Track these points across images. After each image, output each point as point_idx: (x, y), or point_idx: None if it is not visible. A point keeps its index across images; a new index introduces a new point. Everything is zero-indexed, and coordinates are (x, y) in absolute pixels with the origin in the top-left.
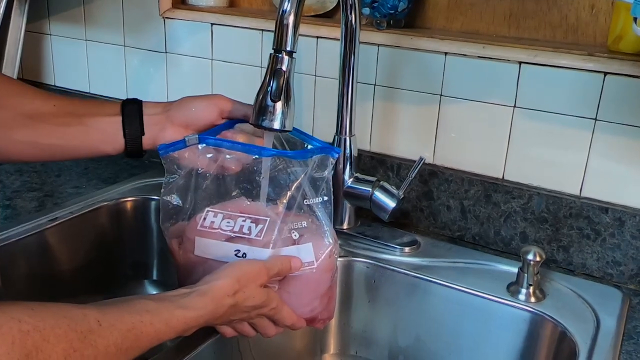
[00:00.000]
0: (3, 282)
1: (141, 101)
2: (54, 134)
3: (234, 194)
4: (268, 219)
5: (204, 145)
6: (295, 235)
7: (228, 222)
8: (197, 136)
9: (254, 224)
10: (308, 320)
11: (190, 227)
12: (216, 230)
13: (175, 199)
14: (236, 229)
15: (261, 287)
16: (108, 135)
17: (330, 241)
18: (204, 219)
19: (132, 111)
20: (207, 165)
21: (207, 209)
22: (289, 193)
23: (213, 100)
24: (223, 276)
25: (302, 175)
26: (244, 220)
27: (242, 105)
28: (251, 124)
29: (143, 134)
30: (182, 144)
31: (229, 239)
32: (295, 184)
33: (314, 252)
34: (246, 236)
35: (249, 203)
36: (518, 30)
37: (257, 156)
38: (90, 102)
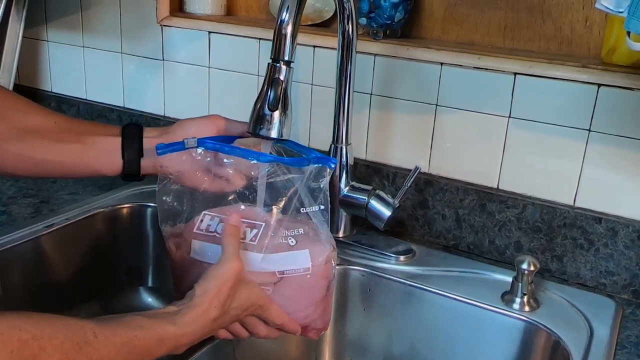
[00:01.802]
0: None
1: (142, 126)
2: (50, 150)
3: (230, 198)
4: (263, 224)
5: (202, 149)
6: (291, 242)
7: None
8: (196, 139)
9: (249, 229)
10: (302, 327)
11: (187, 230)
12: (212, 234)
13: (170, 199)
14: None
15: (245, 290)
16: (106, 155)
17: (327, 248)
18: (201, 221)
19: (132, 134)
20: (205, 176)
21: (204, 212)
22: (285, 199)
23: (211, 119)
24: (207, 290)
25: (299, 183)
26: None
27: (239, 124)
28: (249, 132)
29: (142, 156)
30: (181, 145)
31: None
32: (292, 191)
33: (310, 258)
34: (241, 241)
35: (244, 207)
36: (513, 42)
37: (254, 161)
38: (92, 123)
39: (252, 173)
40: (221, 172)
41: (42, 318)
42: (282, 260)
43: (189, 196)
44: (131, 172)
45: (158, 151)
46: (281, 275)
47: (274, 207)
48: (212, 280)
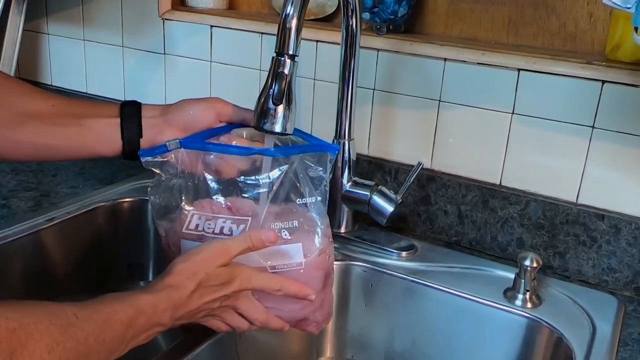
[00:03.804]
0: None
1: (140, 103)
2: (51, 134)
3: (220, 192)
4: (250, 219)
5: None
6: (285, 235)
7: (209, 224)
8: (178, 140)
9: (235, 225)
10: (299, 320)
11: (176, 230)
12: (200, 233)
13: (159, 198)
14: (217, 230)
15: (223, 266)
16: (105, 136)
17: (321, 241)
18: (189, 221)
19: (130, 113)
20: (195, 168)
21: (192, 212)
22: (281, 190)
23: (211, 103)
24: (181, 261)
25: (298, 172)
26: (224, 222)
27: (240, 110)
28: (252, 126)
29: (141, 136)
30: (163, 148)
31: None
32: (289, 181)
33: (303, 252)
34: (229, 237)
35: (240, 200)
36: (517, 38)
37: (239, 156)
38: (90, 103)
39: (245, 166)
40: (213, 163)
41: (25, 305)
42: (273, 254)
43: (178, 192)
44: (131, 153)
45: (142, 158)
46: (273, 270)
47: (267, 199)
48: (190, 254)
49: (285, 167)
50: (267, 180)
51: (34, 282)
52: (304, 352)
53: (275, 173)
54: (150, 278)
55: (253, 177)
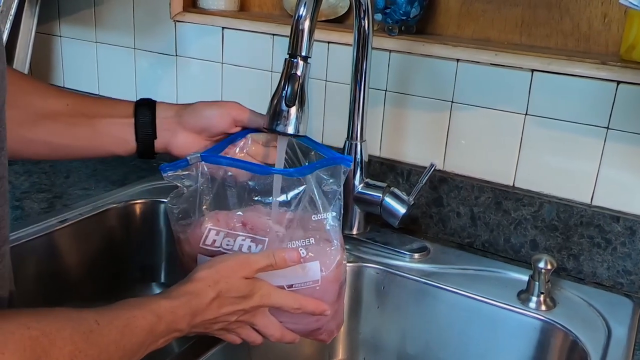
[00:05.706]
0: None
1: (155, 102)
2: (65, 134)
3: (240, 205)
4: (266, 239)
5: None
6: (302, 253)
7: (228, 241)
8: (199, 155)
9: (254, 244)
10: (312, 330)
11: (192, 242)
12: (218, 249)
13: (178, 208)
14: (235, 248)
15: (245, 279)
16: (119, 137)
17: (337, 255)
18: (206, 236)
19: (145, 114)
20: (216, 174)
21: (209, 227)
22: (296, 207)
23: (227, 108)
24: (204, 268)
25: (312, 188)
26: (244, 240)
27: (257, 116)
28: (265, 128)
29: (155, 137)
30: (184, 162)
31: None
32: (304, 197)
33: (320, 268)
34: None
35: (256, 217)
36: (529, 38)
37: (256, 174)
38: (104, 101)
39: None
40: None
41: (48, 313)
42: (290, 273)
43: (198, 202)
44: (145, 152)
45: (163, 173)
46: (290, 289)
47: (283, 217)
48: (214, 263)
49: (302, 187)
50: (285, 199)
51: (46, 283)
52: (317, 355)
53: (292, 194)
54: (162, 280)
55: (270, 199)
